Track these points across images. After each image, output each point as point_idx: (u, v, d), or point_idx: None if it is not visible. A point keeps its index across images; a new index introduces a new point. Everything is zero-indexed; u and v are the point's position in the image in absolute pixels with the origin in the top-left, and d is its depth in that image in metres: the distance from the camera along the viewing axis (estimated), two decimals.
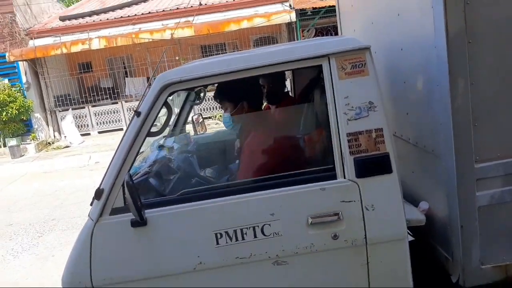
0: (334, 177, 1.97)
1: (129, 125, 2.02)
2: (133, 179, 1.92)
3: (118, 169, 1.97)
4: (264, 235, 1.96)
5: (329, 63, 1.96)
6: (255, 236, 1.96)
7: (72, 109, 13.40)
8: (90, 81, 13.94)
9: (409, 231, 2.45)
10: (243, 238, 1.96)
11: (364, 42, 2.00)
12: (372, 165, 1.92)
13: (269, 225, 1.95)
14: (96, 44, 12.38)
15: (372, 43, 2.38)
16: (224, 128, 2.74)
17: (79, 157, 10.54)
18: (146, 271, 1.98)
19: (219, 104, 2.58)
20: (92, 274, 1.96)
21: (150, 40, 12.27)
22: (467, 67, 1.87)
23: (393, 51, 2.52)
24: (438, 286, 2.28)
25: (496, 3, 1.87)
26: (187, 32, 12.11)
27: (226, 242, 1.96)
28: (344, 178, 1.95)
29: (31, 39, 13.00)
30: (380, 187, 1.92)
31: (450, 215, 2.01)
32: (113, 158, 2.02)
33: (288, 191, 1.97)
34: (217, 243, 1.96)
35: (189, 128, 3.45)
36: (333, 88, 1.96)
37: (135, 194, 1.84)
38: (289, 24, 12.96)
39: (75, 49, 12.54)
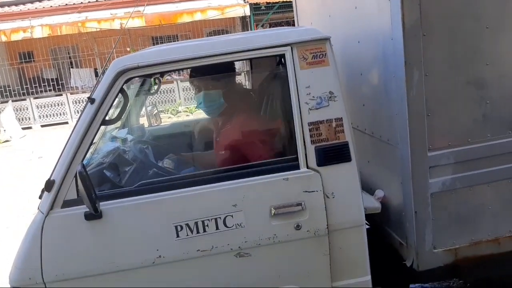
0: (297, 167, 1.96)
1: (82, 112, 1.91)
2: (87, 169, 1.81)
3: (70, 159, 1.86)
4: (227, 226, 1.92)
5: (292, 52, 1.95)
6: (217, 228, 1.92)
7: (12, 101, 12.59)
8: (32, 72, 13.14)
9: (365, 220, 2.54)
10: (204, 230, 1.91)
11: (325, 33, 2.02)
12: (332, 154, 1.96)
13: (232, 216, 1.92)
14: (38, 33, 11.72)
15: (330, 35, 2.43)
16: (179, 120, 2.70)
17: (21, 152, 9.92)
18: (101, 266, 1.89)
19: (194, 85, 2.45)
20: (43, 270, 1.84)
21: (98, 29, 11.80)
22: (421, 59, 1.94)
23: (350, 44, 2.57)
24: (393, 271, 2.36)
25: None
26: (138, 23, 11.77)
27: (187, 235, 1.90)
28: (307, 167, 1.95)
29: None
30: (340, 175, 1.96)
31: (404, 202, 2.09)
32: (64, 147, 1.91)
33: (251, 181, 1.94)
34: (177, 236, 1.90)
35: (142, 120, 3.34)
36: (295, 77, 1.96)
37: (89, 185, 1.74)
38: (243, 18, 12.97)
39: (16, 37, 11.81)
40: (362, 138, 2.57)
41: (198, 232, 1.91)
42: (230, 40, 2.06)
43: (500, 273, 2.48)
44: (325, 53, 1.99)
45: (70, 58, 13.79)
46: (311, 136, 1.96)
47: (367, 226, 2.53)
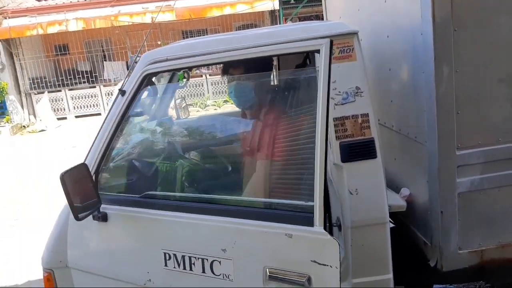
0: (309, 222, 1.50)
1: (113, 104, 1.97)
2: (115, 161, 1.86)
3: (99, 151, 1.90)
4: (213, 273, 1.69)
5: (330, 45, 1.74)
6: (203, 271, 1.70)
7: (48, 92, 13.06)
8: (67, 64, 13.58)
9: (390, 218, 2.51)
10: (190, 269, 1.71)
11: (353, 27, 2.00)
12: (357, 150, 1.93)
13: (219, 262, 1.67)
14: (73, 26, 12.07)
15: (358, 29, 2.39)
16: (205, 113, 2.71)
17: (56, 141, 10.29)
18: (104, 269, 1.90)
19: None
20: (68, 255, 1.93)
21: (130, 23, 12.03)
22: (452, 54, 1.89)
23: (379, 38, 2.53)
24: (417, 271, 2.33)
25: None
26: (168, 16, 11.93)
27: (174, 267, 1.74)
28: (324, 227, 1.50)
29: (5, 18, 12.54)
30: (365, 172, 1.94)
31: (430, 201, 2.05)
32: (95, 139, 1.97)
33: (244, 225, 1.63)
34: (166, 265, 1.76)
35: (171, 113, 3.40)
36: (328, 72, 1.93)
37: (68, 190, 1.67)
38: (272, 12, 12.93)
39: (52, 30, 12.20)
40: (389, 135, 2.53)
41: (184, 268, 1.72)
42: (260, 34, 2.05)
43: None
44: (353, 48, 1.96)
45: (103, 51, 14.17)
46: (336, 131, 1.94)
47: (392, 225, 2.51)
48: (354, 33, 1.97)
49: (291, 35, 1.89)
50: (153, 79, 2.06)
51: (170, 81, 3.08)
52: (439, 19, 1.88)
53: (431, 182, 2.02)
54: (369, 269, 1.96)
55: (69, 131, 11.59)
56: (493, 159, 1.98)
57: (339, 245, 1.48)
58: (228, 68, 2.32)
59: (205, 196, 1.99)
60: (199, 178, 2.21)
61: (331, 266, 1.49)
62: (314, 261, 1.50)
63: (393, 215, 2.47)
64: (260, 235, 1.61)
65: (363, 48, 2.60)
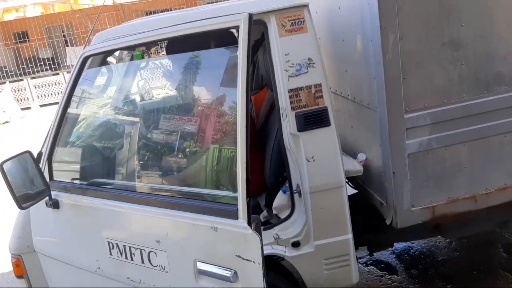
0: (234, 215, 1.46)
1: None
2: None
3: (50, 139, 1.91)
4: (151, 264, 1.69)
5: (249, 21, 1.63)
6: (142, 261, 1.71)
7: (10, 81, 12.58)
8: (27, 52, 13.10)
9: (350, 184, 2.63)
10: (131, 258, 1.73)
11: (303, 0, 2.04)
12: (312, 119, 2.01)
13: (155, 254, 1.67)
14: (31, 11, 11.61)
15: (312, 2, 2.43)
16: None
17: (22, 132, 10.01)
18: (62, 255, 1.93)
19: None
20: (33, 240, 1.96)
21: (91, 6, 11.64)
22: (396, 22, 1.97)
23: (332, 11, 2.59)
24: (377, 231, 2.46)
25: None
26: None
27: (117, 256, 1.77)
28: (249, 220, 1.43)
29: None
30: (320, 140, 2.02)
31: (383, 163, 2.16)
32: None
33: (175, 216, 1.61)
34: (110, 254, 1.78)
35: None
36: (275, 45, 1.97)
37: (9, 180, 1.69)
38: None
39: (9, 17, 11.71)
40: (346, 104, 2.62)
41: (126, 258, 1.74)
42: (202, 11, 2.06)
43: (479, 229, 2.59)
44: (304, 20, 2.00)
45: (64, 36, 13.71)
46: (291, 102, 2.01)
47: (355, 191, 2.64)
48: (305, 6, 2.01)
49: (228, 11, 1.83)
50: (109, 59, 2.06)
51: (130, 61, 3.06)
52: None
53: (383, 145, 2.13)
54: (329, 231, 2.07)
55: (34, 121, 11.28)
56: (439, 120, 2.10)
57: (260, 240, 1.43)
58: (169, 48, 2.29)
59: (142, 185, 2.00)
60: (140, 166, 2.20)
61: (254, 262, 1.45)
62: (239, 256, 1.47)
63: (353, 180, 2.60)
64: (189, 228, 1.60)
65: (320, 21, 2.67)
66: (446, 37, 2.04)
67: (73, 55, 13.44)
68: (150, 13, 13.52)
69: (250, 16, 1.60)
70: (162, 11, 13.33)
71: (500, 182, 2.22)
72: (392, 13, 1.96)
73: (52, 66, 13.11)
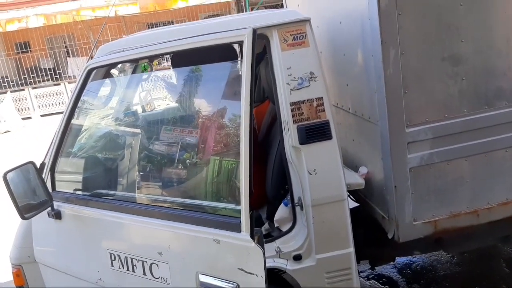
0: (236, 228, 1.45)
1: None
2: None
3: (53, 150, 1.92)
4: (153, 276, 1.70)
5: (253, 36, 1.70)
6: (144, 273, 1.72)
7: (11, 91, 12.63)
8: (29, 62, 13.17)
9: (352, 197, 2.63)
10: (133, 270, 1.73)
11: (305, 15, 2.07)
12: (313, 132, 2.02)
13: (157, 266, 1.67)
14: (34, 22, 11.70)
15: (314, 17, 2.45)
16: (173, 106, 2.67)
17: (22, 142, 10.02)
18: (63, 266, 1.93)
19: None
20: (34, 251, 1.95)
21: (93, 17, 11.75)
22: (397, 37, 1.99)
23: (333, 25, 2.61)
24: (379, 245, 2.45)
25: None
26: (132, 9, 11.72)
27: (119, 267, 1.77)
28: (251, 233, 1.43)
29: None
30: (322, 153, 2.03)
31: (385, 177, 2.17)
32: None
33: (177, 228, 1.61)
34: (112, 265, 1.79)
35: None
36: (277, 59, 1.99)
37: (12, 190, 1.70)
38: (238, 2, 12.87)
39: (11, 27, 11.79)
40: (347, 117, 2.63)
41: (128, 270, 1.74)
42: (210, 25, 2.08)
43: (480, 244, 2.58)
44: (305, 35, 2.03)
45: (66, 47, 13.80)
46: (293, 116, 2.02)
47: (355, 203, 2.63)
48: (306, 20, 2.04)
49: (232, 25, 1.86)
50: (112, 71, 2.08)
51: (133, 73, 3.08)
52: (384, 5, 1.97)
53: (385, 159, 2.14)
54: (331, 245, 2.06)
55: (35, 131, 11.29)
56: (440, 134, 2.11)
57: (263, 253, 1.42)
58: (173, 61, 2.32)
59: (144, 196, 2.01)
60: (141, 177, 2.21)
61: (256, 275, 1.44)
62: (241, 269, 1.46)
63: (354, 193, 2.60)
64: (192, 240, 1.59)
65: (321, 35, 2.70)
66: (446, 52, 2.07)
67: (75, 66, 13.52)
68: (152, 25, 13.65)
69: (254, 31, 1.62)
70: (164, 23, 13.47)
71: (501, 197, 2.22)
72: (393, 28, 1.98)
73: (54, 77, 13.18)
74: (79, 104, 2.03)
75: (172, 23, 13.45)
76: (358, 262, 2.21)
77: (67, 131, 1.94)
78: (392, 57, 2.00)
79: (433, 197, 2.18)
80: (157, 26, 13.46)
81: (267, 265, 1.49)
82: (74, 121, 2.06)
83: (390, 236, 2.22)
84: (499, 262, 3.18)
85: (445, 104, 2.10)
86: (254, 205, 1.49)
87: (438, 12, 2.03)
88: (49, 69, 13.24)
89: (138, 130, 2.45)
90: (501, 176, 2.21)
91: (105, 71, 2.14)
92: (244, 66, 1.55)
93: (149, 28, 13.66)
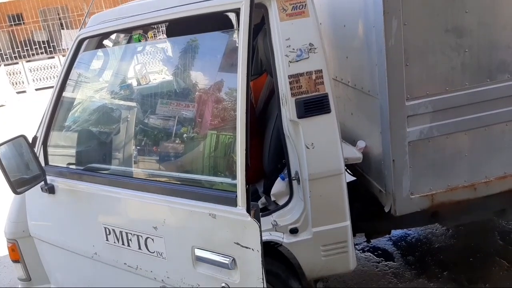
0: (233, 202, 1.44)
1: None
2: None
3: (45, 124, 1.89)
4: (148, 250, 1.69)
5: (251, 5, 1.55)
6: (139, 247, 1.71)
7: (4, 65, 12.43)
8: (22, 35, 12.92)
9: (349, 171, 2.62)
10: (128, 244, 1.72)
11: None
12: (312, 106, 1.98)
13: (152, 240, 1.66)
14: None
15: None
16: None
17: (18, 116, 9.93)
18: (58, 240, 1.92)
19: None
20: (28, 225, 1.94)
21: None
22: (400, 7, 1.93)
23: None
24: (375, 218, 2.46)
25: None
26: None
27: (114, 242, 1.76)
28: (248, 207, 1.41)
29: None
30: (320, 127, 2.00)
31: (383, 151, 2.15)
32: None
33: (173, 203, 1.59)
34: (107, 239, 1.78)
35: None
36: (275, 30, 1.93)
37: (3, 165, 1.66)
38: None
39: None
40: (346, 91, 2.59)
41: (123, 244, 1.73)
42: None
43: (476, 217, 2.60)
44: (305, 4, 1.96)
45: (60, 19, 13.52)
46: (291, 88, 1.97)
47: (354, 178, 2.63)
48: None
49: None
50: (106, 43, 2.02)
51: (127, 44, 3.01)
52: None
53: (384, 133, 2.11)
54: (328, 218, 2.06)
55: (30, 105, 11.18)
56: (441, 108, 2.07)
57: (259, 227, 1.42)
58: (168, 31, 2.26)
59: (139, 171, 1.97)
60: (137, 152, 2.16)
61: (253, 249, 1.44)
62: (237, 243, 1.46)
63: (352, 167, 2.59)
64: (187, 214, 1.58)
65: (321, 5, 2.62)
66: (450, 23, 2.01)
67: (69, 38, 13.26)
68: None
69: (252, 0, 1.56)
70: None
71: (499, 171, 2.21)
72: None
73: (48, 50, 12.96)
74: (71, 76, 1.98)
75: None
76: (354, 235, 2.22)
77: (58, 104, 1.90)
78: (395, 29, 1.94)
79: (431, 171, 2.17)
80: None
81: (263, 238, 1.49)
82: (66, 93, 2.01)
83: (386, 210, 2.22)
84: (494, 235, 3.22)
85: (446, 77, 2.06)
86: (251, 179, 1.47)
87: None
88: (43, 42, 13.01)
89: (134, 104, 2.41)
90: (500, 150, 2.19)
91: (98, 41, 2.07)
92: (241, 37, 1.49)
93: None
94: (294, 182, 2.05)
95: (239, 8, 1.54)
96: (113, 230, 1.78)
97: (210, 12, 1.71)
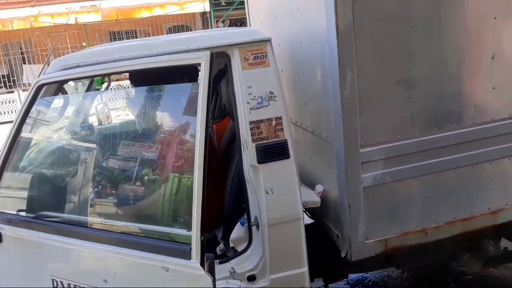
0: (187, 255, 1.42)
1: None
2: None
3: None
4: None
5: (211, 59, 1.73)
6: None
7: None
8: None
9: (308, 214, 2.66)
10: None
11: (266, 35, 2.10)
12: (272, 151, 2.03)
13: None
14: None
15: (276, 35, 2.49)
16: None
17: None
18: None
19: None
20: None
21: (52, 24, 11.36)
22: (354, 60, 2.05)
23: (294, 44, 2.66)
24: (332, 263, 2.48)
25: (378, 2, 2.07)
26: (94, 17, 11.44)
27: None
28: (202, 259, 1.41)
29: None
30: (279, 172, 2.04)
31: (340, 196, 2.21)
32: None
33: (125, 254, 1.56)
34: None
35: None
36: (238, 78, 2.00)
37: None
38: (203, 14, 12.88)
39: None
40: (305, 135, 2.67)
41: None
42: (170, 41, 2.07)
43: (429, 260, 2.67)
44: (266, 54, 2.05)
45: (22, 53, 13.24)
46: (252, 134, 2.03)
47: (312, 221, 2.66)
48: (267, 40, 2.07)
49: (193, 43, 1.87)
50: (68, 85, 2.01)
51: (89, 87, 2.99)
52: (342, 28, 2.03)
53: (340, 178, 2.18)
54: (286, 264, 2.07)
55: None
56: (392, 155, 2.17)
57: (213, 281, 1.40)
58: (131, 77, 2.29)
59: (92, 219, 1.93)
60: (93, 198, 2.10)
61: None
62: None
63: (311, 210, 2.63)
64: (139, 267, 1.54)
65: (282, 53, 2.74)
66: (400, 76, 2.15)
67: (30, 73, 12.99)
68: (114, 34, 13.39)
69: (212, 54, 1.63)
70: (127, 32, 13.24)
71: (449, 216, 2.31)
72: (350, 51, 2.04)
73: (7, 84, 12.59)
74: (30, 115, 1.94)
75: (135, 32, 13.23)
76: (312, 280, 2.23)
77: (13, 146, 1.84)
78: (349, 79, 2.05)
79: (385, 216, 2.24)
80: (119, 35, 13.25)
81: (220, 286, 1.47)
82: (23, 134, 1.96)
83: (343, 255, 2.25)
84: (446, 277, 3.30)
85: (397, 126, 2.18)
86: (210, 225, 1.47)
87: (393, 37, 2.11)
88: (3, 75, 12.64)
89: (93, 145, 2.37)
90: (449, 196, 2.30)
91: (57, 86, 2.06)
92: (201, 89, 1.55)
93: (110, 36, 13.38)
94: (254, 228, 2.05)
95: (200, 64, 1.60)
96: (61, 282, 1.70)
97: (174, 65, 1.75)
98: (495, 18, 2.21)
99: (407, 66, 2.16)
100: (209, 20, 12.92)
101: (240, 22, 13.38)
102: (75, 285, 1.66)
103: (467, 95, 2.27)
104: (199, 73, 1.63)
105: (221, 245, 2.19)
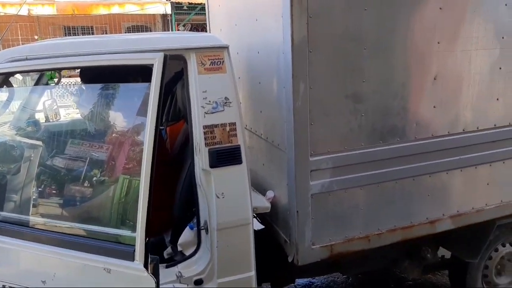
0: (130, 256, 1.40)
1: None
2: None
3: None
4: None
5: (164, 61, 1.72)
6: None
7: None
8: None
9: (258, 219, 2.71)
10: None
11: (225, 42, 2.13)
12: (224, 156, 2.06)
13: None
14: None
15: (235, 43, 2.53)
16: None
17: None
18: None
19: None
20: None
21: (2, 14, 10.80)
22: (307, 73, 2.14)
23: (252, 53, 2.72)
24: (280, 267, 2.54)
25: (332, 20, 2.17)
26: (48, 10, 11.00)
27: None
28: (146, 261, 1.39)
29: None
30: (231, 177, 2.08)
31: (289, 202, 2.28)
32: None
33: (63, 255, 1.52)
34: None
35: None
36: (193, 82, 2.01)
37: None
38: (164, 16, 12.73)
39: None
40: (259, 142, 2.73)
41: None
42: (126, 40, 2.05)
43: (373, 266, 2.80)
44: (223, 61, 2.09)
45: None
46: (205, 138, 2.05)
47: (262, 226, 2.71)
48: (225, 47, 2.10)
49: (149, 44, 1.88)
50: (14, 78, 1.94)
51: (38, 81, 2.89)
52: (297, 41, 2.10)
53: (290, 185, 2.25)
54: (233, 268, 2.10)
55: None
56: (340, 164, 2.28)
57: (156, 283, 1.38)
58: (82, 74, 2.24)
59: (34, 218, 1.85)
60: (36, 197, 2.02)
61: None
62: None
63: (261, 215, 2.68)
64: (79, 268, 1.51)
65: (240, 61, 2.79)
66: (349, 90, 2.26)
67: None
68: (69, 29, 12.93)
69: (165, 56, 1.64)
70: (82, 28, 12.81)
71: (390, 224, 2.45)
72: (304, 64, 2.12)
73: None
74: None
75: (92, 28, 12.84)
76: (259, 284, 2.27)
77: None
78: (302, 91, 2.13)
79: (330, 222, 2.33)
80: (75, 30, 12.80)
81: None
82: None
83: (290, 260, 2.32)
84: (389, 283, 3.46)
85: (345, 137, 2.28)
86: (159, 229, 1.47)
87: (345, 53, 2.21)
88: None
89: (39, 142, 2.28)
90: (391, 205, 2.44)
91: (3, 78, 1.98)
92: (152, 90, 1.55)
93: (65, 31, 12.90)
94: (203, 232, 2.07)
95: (152, 64, 1.60)
96: (3, 286, 1.64)
97: (127, 64, 1.74)
98: (438, 43, 2.38)
99: (356, 81, 2.27)
100: (170, 23, 12.79)
101: (201, 27, 13.35)
102: (11, 287, 1.60)
103: (411, 112, 2.41)
104: (152, 74, 1.62)
105: (169, 249, 2.19)
